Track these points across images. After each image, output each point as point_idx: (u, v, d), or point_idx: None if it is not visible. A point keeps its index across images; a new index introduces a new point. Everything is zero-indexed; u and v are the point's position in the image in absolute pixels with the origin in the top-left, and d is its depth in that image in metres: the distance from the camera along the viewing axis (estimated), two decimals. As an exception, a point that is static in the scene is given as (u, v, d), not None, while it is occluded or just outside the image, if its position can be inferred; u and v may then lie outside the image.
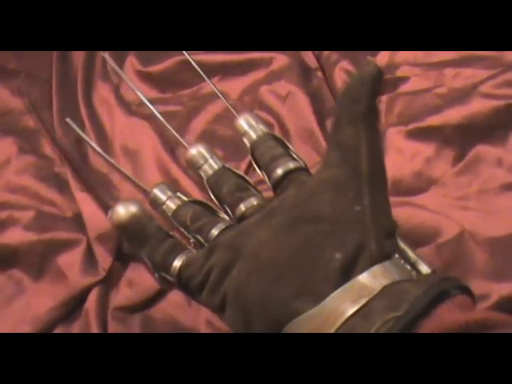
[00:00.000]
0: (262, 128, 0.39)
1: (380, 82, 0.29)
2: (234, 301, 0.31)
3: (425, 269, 0.30)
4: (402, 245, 0.31)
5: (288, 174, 0.36)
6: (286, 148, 0.38)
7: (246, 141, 0.39)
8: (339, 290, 0.27)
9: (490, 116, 0.49)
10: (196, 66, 0.47)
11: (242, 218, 0.36)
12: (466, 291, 0.28)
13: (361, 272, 0.28)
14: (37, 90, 0.65)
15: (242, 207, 0.36)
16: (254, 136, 0.38)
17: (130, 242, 0.36)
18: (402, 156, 0.50)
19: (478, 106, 0.50)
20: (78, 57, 0.67)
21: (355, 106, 0.29)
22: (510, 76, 0.51)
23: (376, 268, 0.28)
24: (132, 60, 0.65)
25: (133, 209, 0.34)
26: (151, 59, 0.64)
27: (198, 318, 0.46)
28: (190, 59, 0.48)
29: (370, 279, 0.27)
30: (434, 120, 0.50)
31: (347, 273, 0.28)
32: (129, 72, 0.64)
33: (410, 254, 0.31)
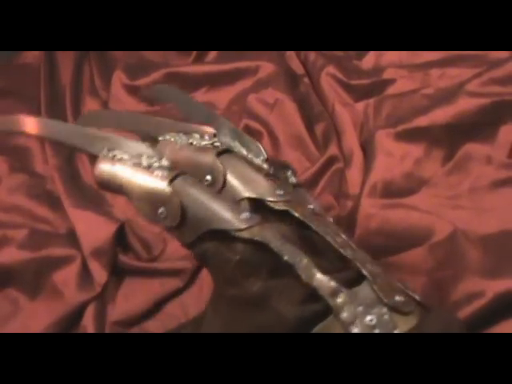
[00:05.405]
0: None
1: None
2: None
3: None
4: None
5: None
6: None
7: None
8: None
9: (478, 114, 0.50)
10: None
11: None
12: None
13: None
14: (25, 107, 0.64)
15: None
16: None
17: None
18: (392, 158, 0.50)
19: (464, 104, 0.50)
20: (66, 74, 0.67)
21: None
22: (495, 74, 0.51)
23: None
24: (119, 74, 0.65)
25: None
26: (138, 73, 0.64)
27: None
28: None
29: None
30: (422, 121, 0.51)
31: None
32: (116, 86, 0.64)
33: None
